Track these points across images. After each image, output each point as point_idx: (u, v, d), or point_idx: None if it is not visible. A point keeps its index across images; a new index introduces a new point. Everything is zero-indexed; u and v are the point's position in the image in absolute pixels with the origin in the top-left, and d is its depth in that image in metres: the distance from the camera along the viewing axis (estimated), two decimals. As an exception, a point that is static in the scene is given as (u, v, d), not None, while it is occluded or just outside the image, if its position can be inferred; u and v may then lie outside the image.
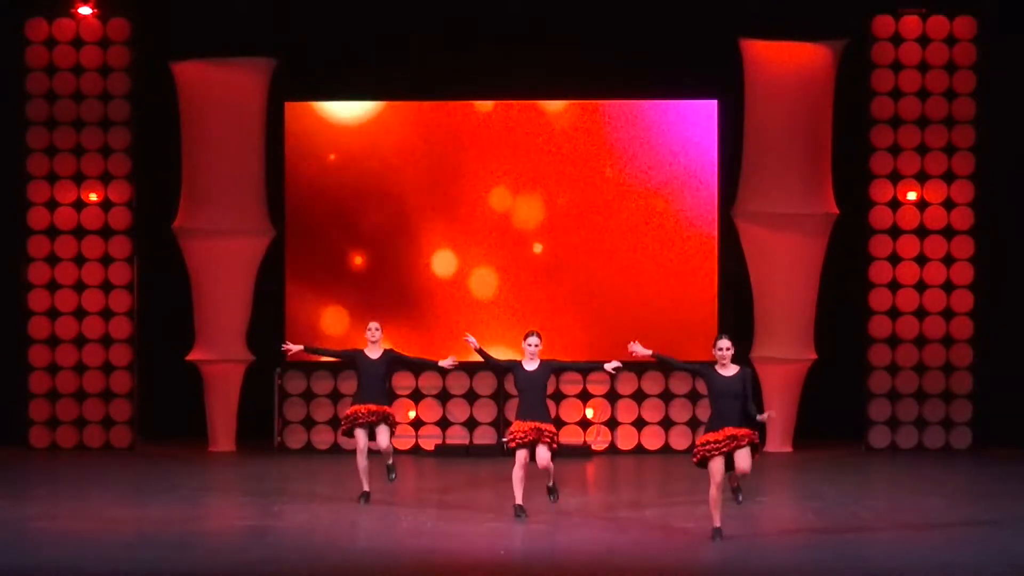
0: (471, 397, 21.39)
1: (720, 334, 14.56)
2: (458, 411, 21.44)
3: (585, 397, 21.41)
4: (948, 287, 21.25)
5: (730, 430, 14.10)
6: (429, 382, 21.41)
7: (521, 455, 15.28)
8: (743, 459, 14.09)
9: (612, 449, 21.32)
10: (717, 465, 14.09)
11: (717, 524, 14.19)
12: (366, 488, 16.51)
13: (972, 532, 14.94)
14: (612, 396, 21.38)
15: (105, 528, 14.91)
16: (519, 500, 15.36)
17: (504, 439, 15.72)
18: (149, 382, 21.91)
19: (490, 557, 13.62)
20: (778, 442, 21.27)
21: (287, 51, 21.26)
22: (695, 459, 14.23)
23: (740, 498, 14.70)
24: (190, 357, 21.40)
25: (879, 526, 15.06)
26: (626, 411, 21.37)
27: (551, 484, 15.61)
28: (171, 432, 22.00)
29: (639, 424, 21.34)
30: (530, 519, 15.32)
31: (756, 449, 14.16)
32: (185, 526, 15.06)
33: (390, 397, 16.58)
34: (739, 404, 14.16)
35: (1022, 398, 21.20)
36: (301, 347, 16.94)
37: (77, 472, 19.36)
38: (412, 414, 21.43)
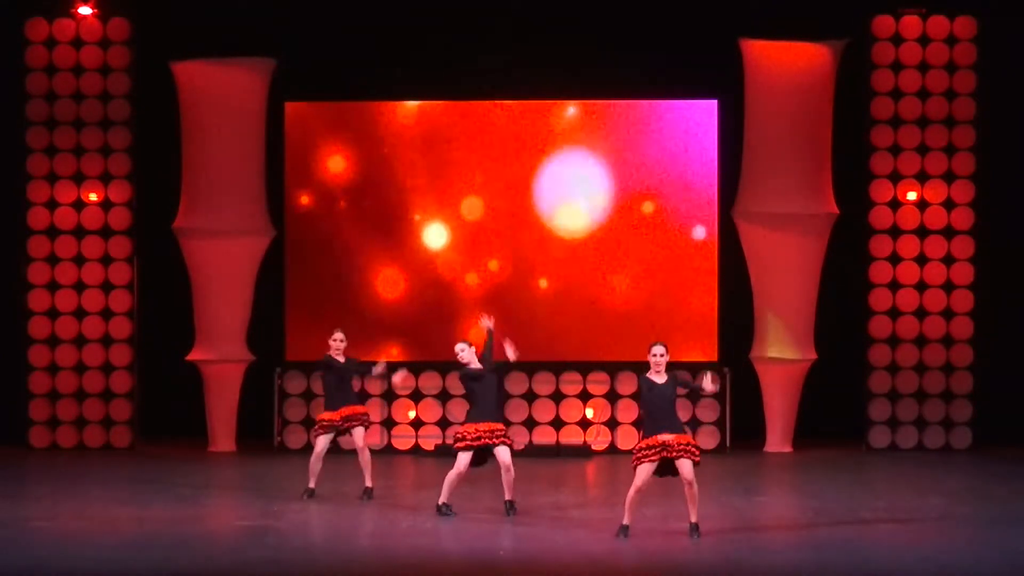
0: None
1: (656, 341, 14.51)
2: (458, 411, 21.43)
3: (585, 397, 21.41)
4: (948, 287, 21.25)
5: (664, 437, 14.19)
6: (429, 382, 21.40)
7: (463, 459, 15.49)
8: (685, 469, 14.20)
9: (612, 449, 21.31)
10: (646, 471, 14.21)
11: (626, 522, 14.32)
12: (312, 485, 16.95)
13: (972, 532, 14.95)
14: (612, 396, 21.37)
15: (105, 528, 14.92)
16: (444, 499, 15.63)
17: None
18: (149, 382, 21.92)
19: (490, 557, 13.62)
20: (778, 442, 21.28)
21: (287, 51, 21.26)
22: (632, 463, 14.35)
23: (696, 537, 14.39)
24: (190, 357, 21.40)
25: (879, 526, 15.06)
26: (626, 411, 21.36)
27: (510, 498, 15.62)
28: (171, 432, 22.01)
29: (639, 424, 21.32)
30: (530, 519, 15.32)
31: (694, 455, 14.26)
32: (185, 526, 15.05)
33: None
34: (673, 408, 14.27)
35: (1022, 398, 21.22)
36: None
37: (77, 472, 19.36)
38: (412, 414, 21.44)
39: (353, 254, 21.48)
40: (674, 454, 14.17)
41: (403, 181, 21.48)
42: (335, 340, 16.91)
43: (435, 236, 21.47)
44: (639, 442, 14.35)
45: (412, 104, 21.54)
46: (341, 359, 16.90)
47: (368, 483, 16.87)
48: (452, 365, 21.13)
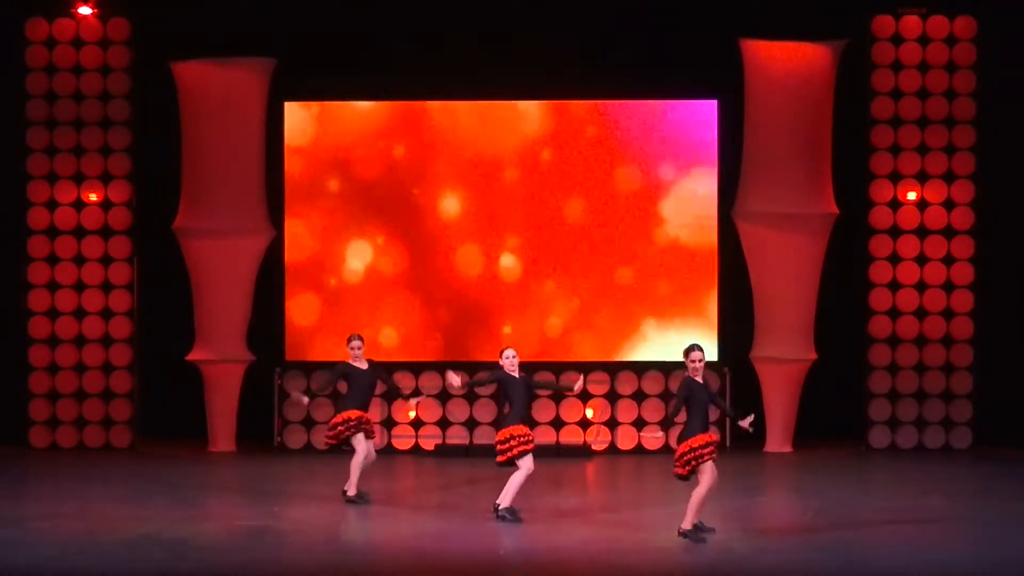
0: (471, 397, 21.39)
1: (693, 346, 14.47)
2: (458, 411, 21.44)
3: (585, 397, 21.40)
4: (948, 287, 21.25)
5: (713, 435, 14.33)
6: (429, 382, 21.39)
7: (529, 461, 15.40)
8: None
9: (612, 449, 21.31)
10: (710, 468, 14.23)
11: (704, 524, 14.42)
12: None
13: (972, 532, 14.96)
14: (612, 396, 21.37)
15: (105, 528, 14.92)
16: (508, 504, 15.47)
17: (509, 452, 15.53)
18: (149, 382, 21.93)
19: (490, 557, 13.62)
20: (778, 442, 21.28)
21: (287, 51, 21.26)
22: (687, 468, 14.18)
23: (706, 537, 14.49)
24: (190, 357, 21.40)
25: (879, 526, 15.06)
26: (626, 411, 21.36)
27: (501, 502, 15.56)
28: (171, 432, 22.00)
29: (639, 424, 21.34)
30: (530, 519, 15.32)
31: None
32: (185, 526, 15.06)
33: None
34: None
35: (1022, 398, 21.20)
36: (304, 398, 17.17)
37: (77, 472, 19.36)
38: (412, 414, 21.44)
39: (353, 254, 21.47)
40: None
41: (403, 181, 21.48)
42: (353, 348, 16.74)
43: (435, 237, 21.47)
44: (690, 442, 14.09)
45: (412, 104, 21.53)
46: (362, 365, 16.76)
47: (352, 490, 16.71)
48: (452, 365, 21.24)
